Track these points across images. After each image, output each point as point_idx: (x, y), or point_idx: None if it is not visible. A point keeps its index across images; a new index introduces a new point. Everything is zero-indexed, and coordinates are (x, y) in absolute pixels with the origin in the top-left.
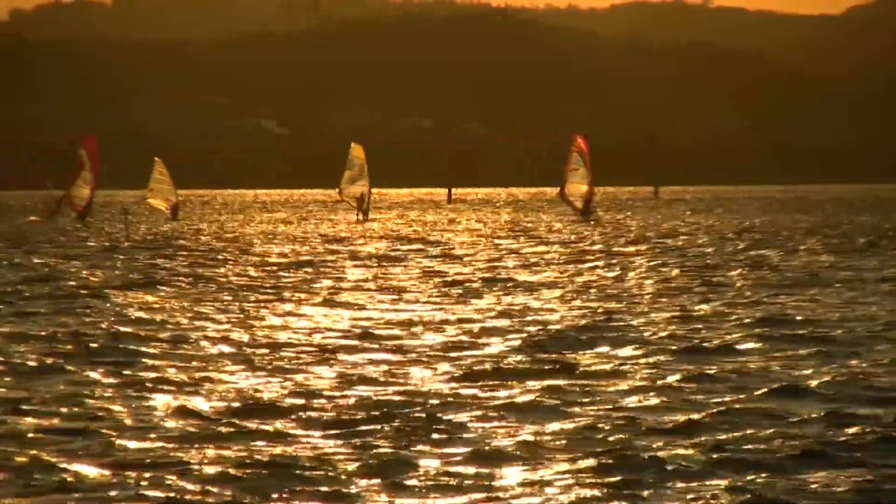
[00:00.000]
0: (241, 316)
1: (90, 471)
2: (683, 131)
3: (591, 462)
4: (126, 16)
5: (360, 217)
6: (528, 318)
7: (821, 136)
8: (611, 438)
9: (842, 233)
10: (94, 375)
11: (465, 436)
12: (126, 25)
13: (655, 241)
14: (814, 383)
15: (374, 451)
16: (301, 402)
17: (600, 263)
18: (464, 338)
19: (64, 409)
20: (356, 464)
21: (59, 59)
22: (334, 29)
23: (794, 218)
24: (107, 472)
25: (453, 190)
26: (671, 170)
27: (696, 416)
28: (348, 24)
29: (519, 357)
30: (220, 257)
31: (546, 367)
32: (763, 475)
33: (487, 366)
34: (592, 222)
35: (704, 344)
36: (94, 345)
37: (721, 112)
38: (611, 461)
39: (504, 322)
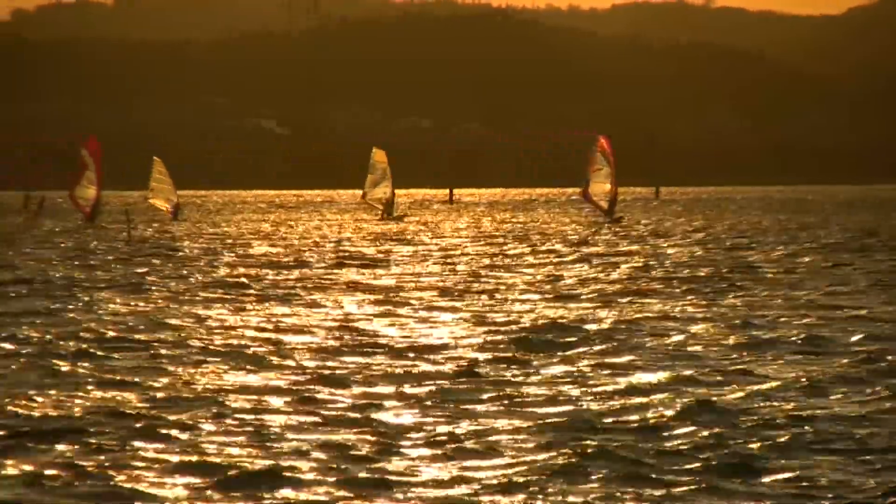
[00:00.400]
0: (226, 317)
1: (52, 471)
2: (683, 131)
3: (554, 461)
4: (126, 16)
5: (386, 217)
6: (504, 319)
7: (821, 136)
8: (572, 438)
9: (835, 232)
10: (72, 376)
11: (433, 436)
12: (126, 25)
13: (648, 242)
14: (779, 384)
15: (349, 452)
16: (273, 403)
17: (585, 265)
18: (439, 339)
19: (38, 411)
20: (328, 464)
21: (60, 59)
22: (334, 29)
23: (790, 218)
24: (69, 472)
25: (455, 190)
26: (671, 170)
27: (661, 416)
28: (348, 24)
29: (491, 357)
30: (214, 258)
31: (516, 368)
32: (717, 475)
33: (460, 366)
34: (612, 221)
35: (676, 345)
36: (74, 346)
37: (721, 112)
38: (572, 460)
39: (480, 323)
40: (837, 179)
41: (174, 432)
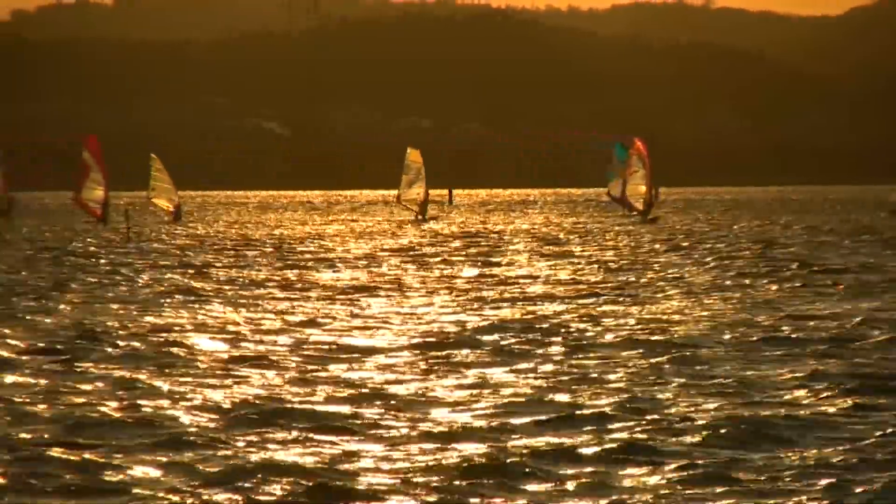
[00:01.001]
0: (187, 320)
1: None
2: (683, 131)
3: (462, 460)
4: (126, 16)
5: (420, 217)
6: (453, 318)
7: (821, 136)
8: (506, 436)
9: (822, 233)
10: (21, 376)
11: (369, 432)
12: (126, 25)
13: (621, 243)
14: (676, 385)
15: (289, 449)
16: (216, 409)
17: (551, 263)
18: (363, 340)
19: None
20: (271, 463)
21: (60, 59)
22: (334, 29)
23: (784, 218)
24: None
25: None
26: (671, 170)
27: (571, 414)
28: (348, 24)
29: (410, 356)
30: (200, 259)
31: (434, 367)
32: (613, 467)
33: (407, 363)
34: (650, 223)
35: (615, 345)
36: (26, 348)
37: (721, 112)
38: (483, 458)
39: (433, 321)
40: (837, 179)
41: (121, 438)
